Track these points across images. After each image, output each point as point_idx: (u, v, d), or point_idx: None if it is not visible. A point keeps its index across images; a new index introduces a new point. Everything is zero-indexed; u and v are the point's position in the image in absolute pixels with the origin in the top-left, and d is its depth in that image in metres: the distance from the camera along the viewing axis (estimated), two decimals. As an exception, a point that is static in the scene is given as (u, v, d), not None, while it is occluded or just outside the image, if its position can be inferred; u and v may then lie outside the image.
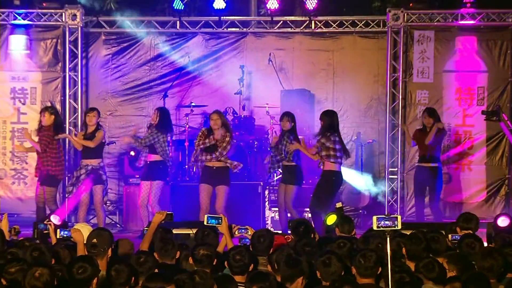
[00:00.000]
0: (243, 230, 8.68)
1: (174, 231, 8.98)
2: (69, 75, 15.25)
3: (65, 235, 8.33)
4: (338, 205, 10.71)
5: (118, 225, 15.01)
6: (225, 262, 7.13)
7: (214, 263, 7.20)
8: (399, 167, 15.18)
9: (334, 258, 6.70)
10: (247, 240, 8.36)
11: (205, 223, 8.37)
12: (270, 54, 15.33)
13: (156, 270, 6.85)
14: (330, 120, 12.49)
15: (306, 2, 15.33)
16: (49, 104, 14.81)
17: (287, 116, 12.75)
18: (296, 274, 6.64)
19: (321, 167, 12.42)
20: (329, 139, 12.29)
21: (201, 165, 12.70)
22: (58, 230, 8.53)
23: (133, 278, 6.54)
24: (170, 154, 13.51)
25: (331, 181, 12.39)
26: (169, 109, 15.08)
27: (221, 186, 12.59)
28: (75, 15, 15.16)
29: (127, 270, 6.52)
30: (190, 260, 7.29)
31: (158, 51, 15.89)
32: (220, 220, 8.33)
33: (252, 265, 7.07)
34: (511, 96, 15.18)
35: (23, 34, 15.25)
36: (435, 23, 15.22)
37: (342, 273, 6.66)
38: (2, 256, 7.03)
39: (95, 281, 6.26)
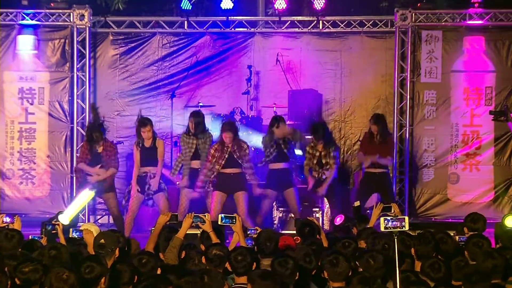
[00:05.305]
0: (252, 231, 8.66)
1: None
2: (77, 75, 15.26)
3: (77, 236, 8.32)
4: (356, 204, 10.70)
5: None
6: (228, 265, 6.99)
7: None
8: (407, 167, 15.17)
9: (341, 258, 6.67)
10: (249, 240, 8.32)
11: (219, 222, 8.31)
12: (277, 54, 15.33)
13: (159, 271, 6.84)
14: None
15: (314, 2, 15.29)
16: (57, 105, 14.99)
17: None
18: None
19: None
20: None
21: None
22: (71, 230, 8.51)
23: (135, 278, 6.54)
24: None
25: None
26: (176, 109, 15.10)
27: (240, 192, 12.54)
28: (83, 15, 15.16)
29: (129, 270, 6.52)
30: (203, 260, 7.27)
31: (166, 51, 15.89)
32: (234, 220, 8.28)
33: (254, 263, 6.95)
34: (519, 96, 15.19)
35: (31, 34, 15.25)
36: (443, 23, 15.18)
37: (350, 273, 6.64)
38: (15, 257, 6.98)
39: (103, 280, 6.24)
